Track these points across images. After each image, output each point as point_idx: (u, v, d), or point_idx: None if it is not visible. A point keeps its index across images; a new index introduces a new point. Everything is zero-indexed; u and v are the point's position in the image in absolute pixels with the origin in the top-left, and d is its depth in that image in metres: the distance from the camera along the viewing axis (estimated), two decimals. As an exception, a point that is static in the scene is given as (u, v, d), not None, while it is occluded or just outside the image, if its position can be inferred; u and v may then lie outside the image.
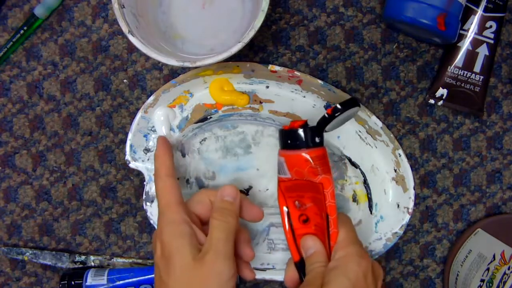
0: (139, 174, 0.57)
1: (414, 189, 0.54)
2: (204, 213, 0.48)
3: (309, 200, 0.46)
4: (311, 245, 0.46)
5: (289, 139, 0.45)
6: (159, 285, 0.44)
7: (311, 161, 0.44)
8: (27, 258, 0.58)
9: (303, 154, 0.44)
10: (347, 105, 0.45)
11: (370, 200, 0.56)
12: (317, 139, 0.45)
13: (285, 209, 0.48)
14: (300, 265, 0.47)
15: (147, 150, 0.54)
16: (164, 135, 0.53)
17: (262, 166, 0.56)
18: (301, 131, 0.45)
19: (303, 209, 0.47)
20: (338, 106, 0.45)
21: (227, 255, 0.44)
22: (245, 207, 0.48)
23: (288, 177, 0.46)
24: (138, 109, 0.55)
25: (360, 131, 0.54)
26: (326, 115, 0.45)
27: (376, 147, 0.54)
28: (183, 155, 0.56)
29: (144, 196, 0.55)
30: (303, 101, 0.54)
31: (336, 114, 0.45)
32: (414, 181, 0.54)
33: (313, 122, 0.46)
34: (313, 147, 0.45)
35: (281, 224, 0.56)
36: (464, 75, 0.54)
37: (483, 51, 0.54)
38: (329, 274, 0.43)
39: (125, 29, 0.47)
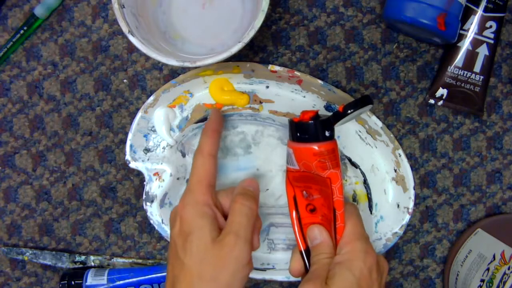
0: (139, 174, 0.57)
1: (414, 189, 0.54)
2: (212, 174, 0.47)
3: (317, 192, 0.46)
4: (317, 235, 0.46)
5: (298, 131, 0.44)
6: (173, 261, 0.45)
7: (320, 155, 0.44)
8: (27, 258, 0.58)
9: (313, 147, 0.44)
10: (360, 103, 0.44)
11: (370, 200, 0.56)
12: (327, 133, 0.44)
13: (292, 197, 0.47)
14: (306, 254, 0.47)
15: (147, 150, 0.54)
16: (217, 110, 0.52)
17: (262, 166, 0.56)
18: (311, 125, 0.44)
19: (310, 199, 0.46)
20: (351, 103, 0.44)
21: (247, 240, 0.44)
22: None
23: (296, 168, 0.46)
24: (138, 109, 0.55)
25: (360, 131, 0.54)
26: (338, 112, 0.44)
27: (376, 147, 0.54)
28: (183, 155, 0.56)
29: (144, 196, 0.55)
30: (303, 101, 0.54)
31: (349, 112, 0.44)
32: (414, 181, 0.54)
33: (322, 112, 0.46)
34: (322, 141, 0.44)
35: (281, 224, 0.57)
36: (464, 75, 0.54)
37: (483, 51, 0.54)
38: (334, 268, 0.43)
39: (125, 29, 0.47)
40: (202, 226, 0.44)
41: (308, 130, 0.44)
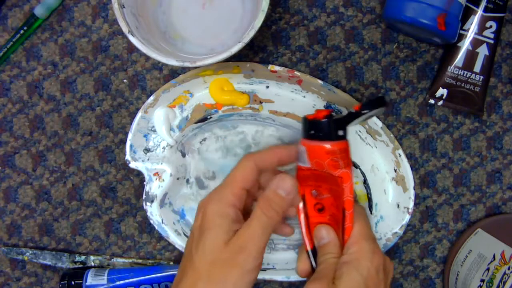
0: (139, 174, 0.57)
1: (414, 189, 0.54)
2: (248, 179, 0.46)
3: (327, 191, 0.46)
4: (325, 234, 0.46)
5: (312, 129, 0.44)
6: (187, 254, 0.45)
7: (333, 154, 0.44)
8: (27, 258, 0.58)
9: (326, 146, 0.44)
10: (375, 104, 0.44)
11: (370, 200, 0.56)
12: (340, 132, 0.44)
13: (301, 196, 0.47)
14: (313, 254, 0.46)
15: (147, 150, 0.54)
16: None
17: (262, 166, 0.56)
18: (325, 123, 0.44)
19: (319, 198, 0.46)
20: (368, 103, 0.44)
21: (258, 249, 0.43)
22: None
23: (307, 167, 0.46)
24: (138, 109, 0.55)
25: (360, 131, 0.54)
26: (353, 112, 0.44)
27: (376, 147, 0.54)
28: (183, 155, 0.56)
29: (144, 196, 0.55)
30: (303, 101, 0.54)
31: (364, 112, 0.44)
32: (414, 181, 0.54)
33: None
34: (336, 140, 0.44)
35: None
36: (464, 75, 0.54)
37: (483, 51, 0.54)
38: (342, 268, 0.43)
39: (125, 29, 0.47)
40: (220, 225, 0.44)
41: (322, 128, 0.44)
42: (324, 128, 0.44)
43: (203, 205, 0.45)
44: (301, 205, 0.47)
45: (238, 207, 0.45)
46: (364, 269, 0.43)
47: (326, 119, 0.44)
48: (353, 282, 0.42)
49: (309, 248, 0.47)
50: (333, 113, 0.45)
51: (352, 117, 0.44)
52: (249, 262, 0.43)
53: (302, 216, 0.47)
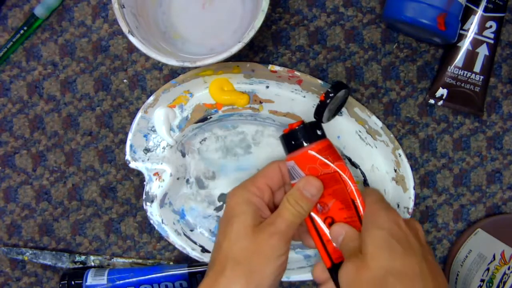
0: (139, 174, 0.57)
1: (414, 189, 0.54)
2: (271, 177, 0.47)
3: (331, 197, 0.45)
4: (340, 230, 0.44)
5: (291, 140, 0.45)
6: (215, 245, 0.45)
7: (320, 153, 0.44)
8: (27, 258, 0.58)
9: (309, 151, 0.44)
10: (336, 88, 0.46)
11: (370, 200, 0.55)
12: (318, 132, 0.45)
13: (308, 217, 0.46)
14: (334, 270, 0.45)
15: (147, 150, 0.54)
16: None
17: (262, 166, 0.56)
18: (300, 129, 0.45)
19: (325, 212, 0.45)
20: (330, 89, 0.46)
21: (286, 236, 0.43)
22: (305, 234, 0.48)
23: None
24: (138, 109, 0.55)
25: (360, 131, 0.54)
26: (319, 102, 0.46)
27: (376, 147, 0.54)
28: (183, 155, 0.56)
29: (144, 196, 0.55)
30: (303, 101, 0.54)
31: (328, 101, 0.45)
32: (414, 181, 0.54)
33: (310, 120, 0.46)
34: (316, 141, 0.45)
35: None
36: (464, 75, 0.54)
37: (483, 51, 0.54)
38: (362, 236, 0.43)
39: (125, 29, 0.47)
40: (245, 212, 0.44)
41: (300, 135, 0.45)
42: (302, 133, 0.45)
43: (227, 199, 0.46)
44: (311, 225, 0.46)
45: (263, 200, 0.46)
46: (384, 223, 0.42)
47: (301, 125, 0.45)
48: (378, 238, 0.41)
49: (328, 266, 0.45)
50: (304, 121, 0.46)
51: (321, 109, 0.46)
52: (280, 248, 0.43)
53: (315, 236, 0.46)
